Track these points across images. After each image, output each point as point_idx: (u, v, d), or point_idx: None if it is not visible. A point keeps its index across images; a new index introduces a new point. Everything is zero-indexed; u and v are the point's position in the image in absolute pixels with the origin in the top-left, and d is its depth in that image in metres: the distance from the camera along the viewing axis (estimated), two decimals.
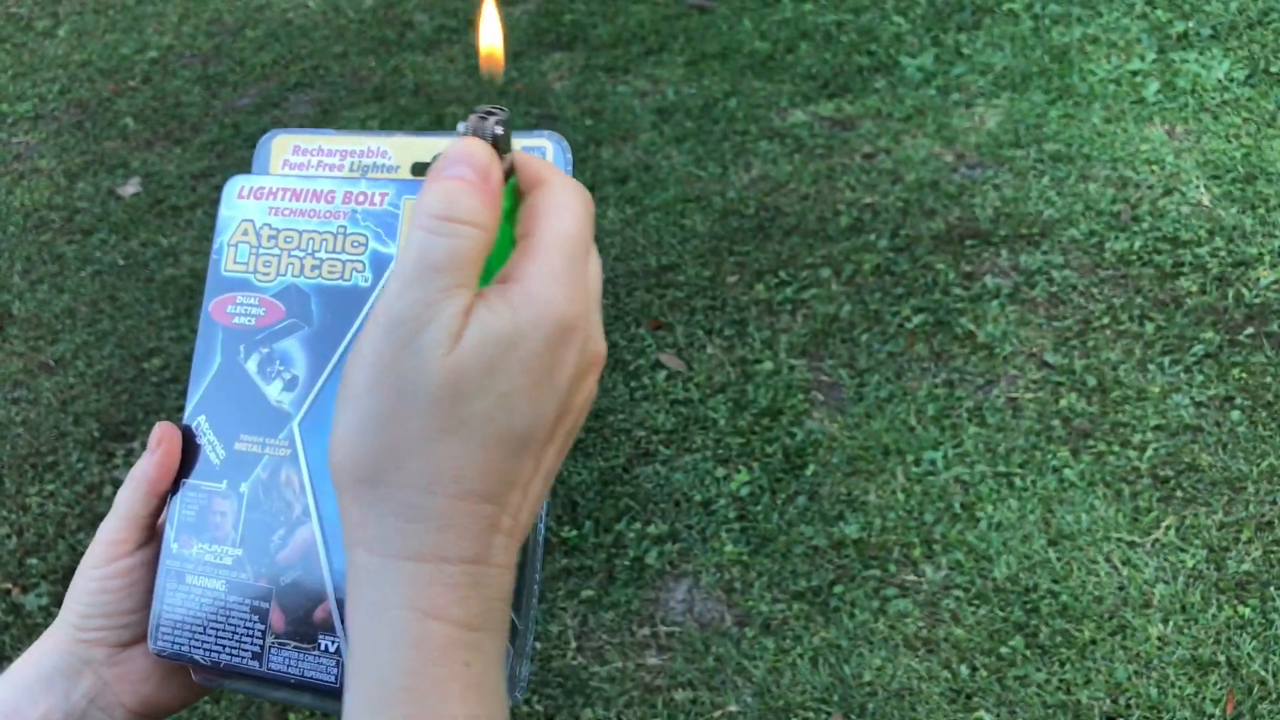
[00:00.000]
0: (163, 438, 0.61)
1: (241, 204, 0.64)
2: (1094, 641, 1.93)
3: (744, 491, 2.28)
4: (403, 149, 0.63)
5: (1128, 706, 1.85)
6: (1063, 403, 2.34)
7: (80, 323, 3.00)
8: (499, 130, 0.46)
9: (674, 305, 2.75)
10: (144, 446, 2.41)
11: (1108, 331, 2.49)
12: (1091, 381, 2.38)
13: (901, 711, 1.88)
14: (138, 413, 2.69)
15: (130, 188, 3.54)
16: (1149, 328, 2.47)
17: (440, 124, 3.61)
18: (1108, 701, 1.86)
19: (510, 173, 0.47)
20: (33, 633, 2.22)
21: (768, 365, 2.54)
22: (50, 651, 0.63)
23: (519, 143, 0.54)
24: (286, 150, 0.66)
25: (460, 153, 0.45)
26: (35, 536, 2.43)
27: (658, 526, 2.24)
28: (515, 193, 0.48)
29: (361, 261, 0.59)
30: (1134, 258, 2.65)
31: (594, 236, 0.48)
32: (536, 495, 0.46)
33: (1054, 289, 2.61)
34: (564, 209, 0.46)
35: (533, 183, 0.47)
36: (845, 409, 2.42)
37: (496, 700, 0.45)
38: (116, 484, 2.50)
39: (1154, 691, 1.85)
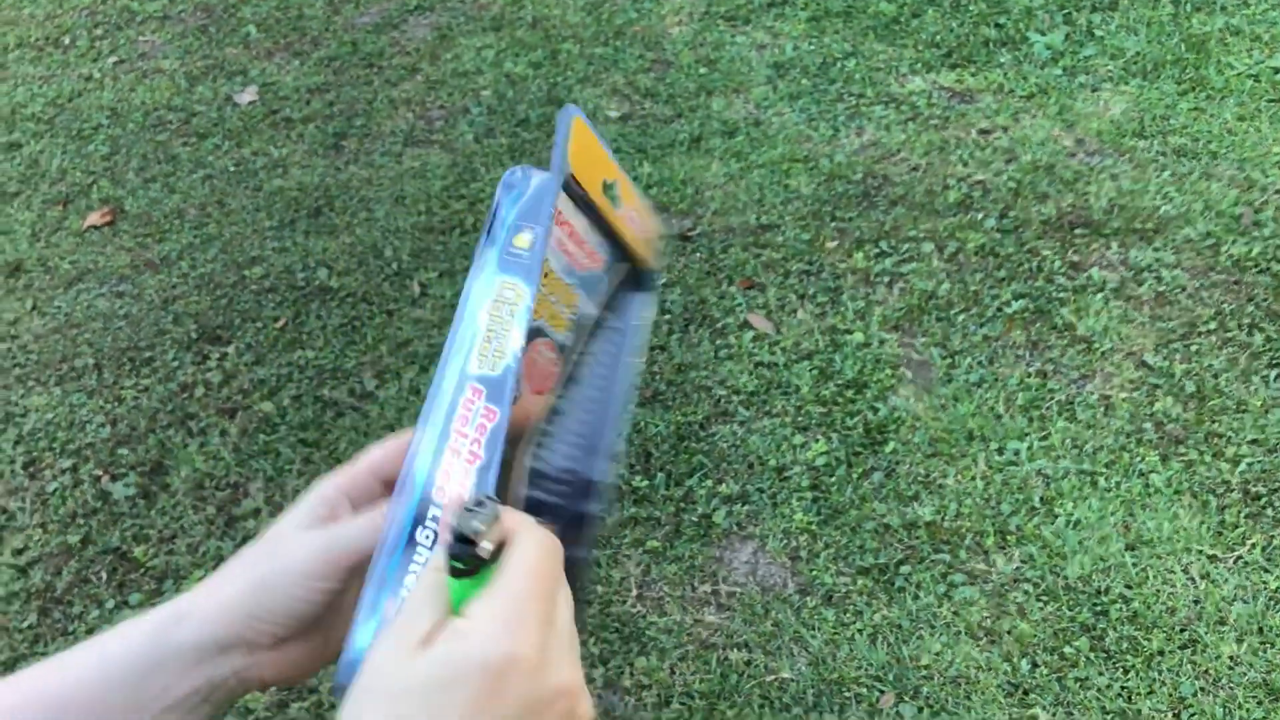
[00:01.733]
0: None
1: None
2: (1162, 652, 1.89)
3: (820, 461, 2.26)
4: None
5: None
6: (1158, 406, 2.28)
7: (188, 224, 3.07)
8: (480, 527, 0.50)
9: (769, 266, 2.73)
10: (238, 352, 2.45)
11: (1213, 338, 2.41)
12: (1190, 387, 2.31)
13: (956, 698, 1.87)
14: (235, 318, 2.76)
15: (247, 95, 3.60)
16: (1258, 338, 2.39)
17: (554, 59, 3.60)
18: (1169, 715, 1.82)
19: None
20: (118, 520, 2.30)
21: (858, 336, 2.51)
22: (208, 626, 0.62)
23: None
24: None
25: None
26: (127, 428, 2.51)
27: (729, 486, 2.24)
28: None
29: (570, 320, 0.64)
30: (1250, 264, 2.56)
31: (558, 578, 0.52)
32: None
33: (1162, 288, 2.54)
34: (520, 556, 0.51)
35: (505, 539, 0.52)
36: (933, 389, 2.38)
37: None
38: (208, 385, 2.57)
39: (1219, 711, 1.81)
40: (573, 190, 0.62)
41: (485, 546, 0.50)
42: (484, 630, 0.48)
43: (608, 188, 0.65)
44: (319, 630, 0.65)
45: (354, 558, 0.61)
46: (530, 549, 0.51)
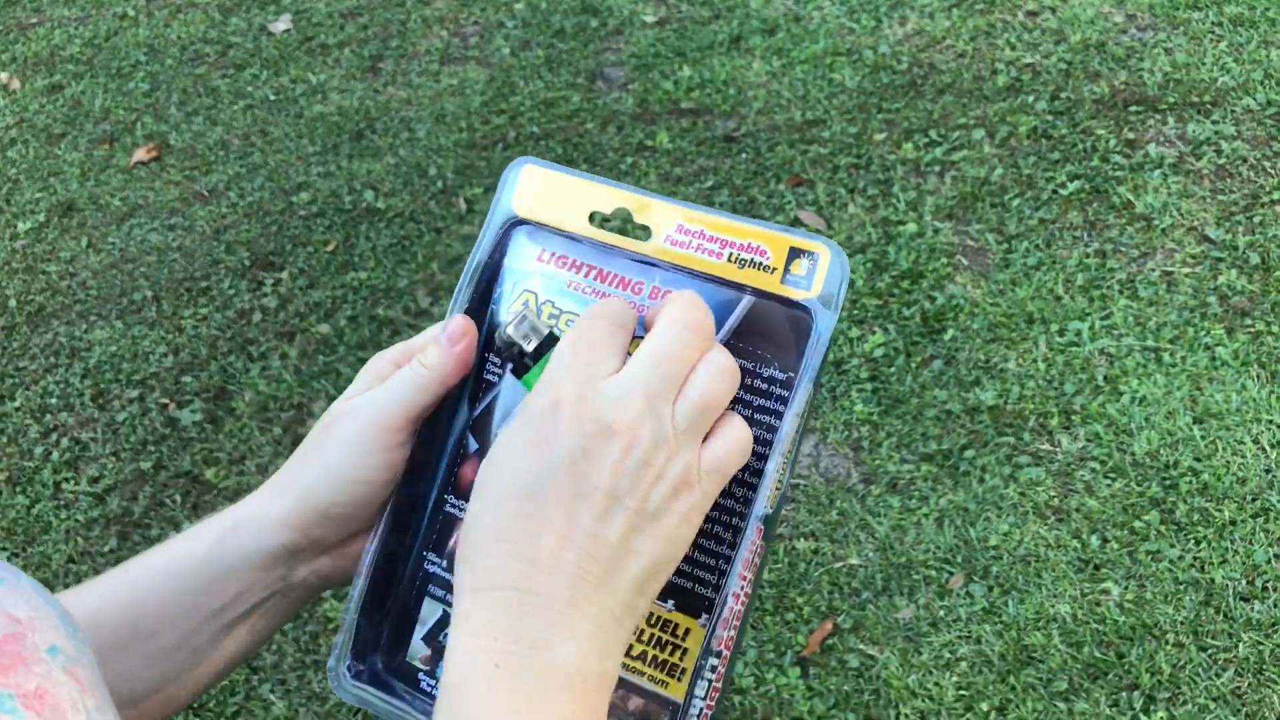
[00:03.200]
0: (465, 332, 0.60)
1: (535, 266, 0.60)
2: (1234, 522, 1.88)
3: (878, 353, 2.25)
4: (778, 244, 0.56)
5: (1264, 589, 1.80)
6: (1221, 279, 2.24)
7: (233, 155, 3.09)
8: (513, 337, 0.56)
9: (817, 162, 2.69)
10: (292, 277, 2.48)
11: (1277, 208, 2.35)
12: (1254, 259, 2.26)
13: (1026, 577, 1.87)
14: (286, 244, 2.77)
15: (281, 24, 3.58)
16: None
17: None
18: (1243, 582, 1.81)
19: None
20: (188, 445, 2.35)
21: (911, 227, 2.48)
22: (275, 530, 0.62)
23: (793, 240, 0.56)
24: (614, 202, 0.60)
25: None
26: (189, 356, 2.54)
27: None
28: None
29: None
30: None
31: (605, 334, 0.54)
32: (587, 549, 0.51)
33: (1222, 160, 2.47)
34: (567, 334, 0.54)
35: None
36: (990, 275, 2.36)
37: (540, 701, 0.49)
38: (265, 311, 2.60)
39: None
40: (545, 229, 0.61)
41: (525, 348, 0.56)
42: (533, 392, 0.53)
43: (604, 220, 0.63)
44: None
45: (402, 415, 0.60)
46: (579, 321, 0.54)
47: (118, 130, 3.25)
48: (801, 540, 1.99)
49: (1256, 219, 2.34)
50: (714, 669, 0.54)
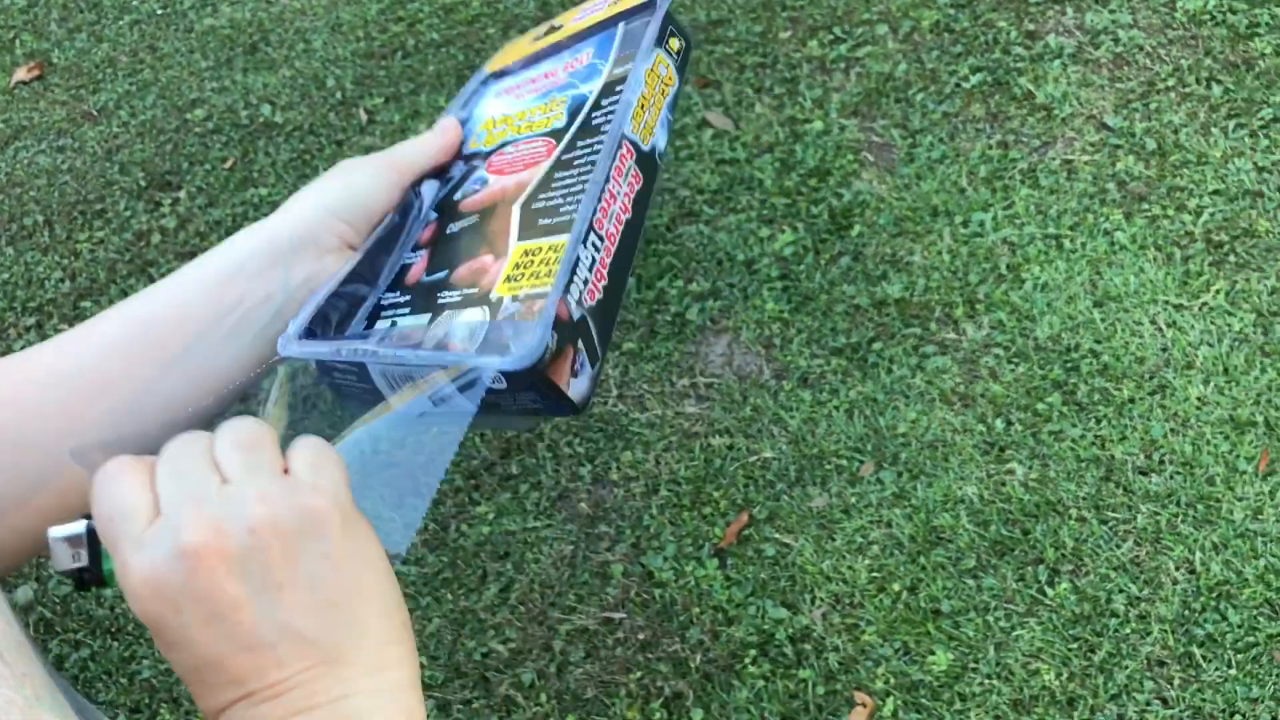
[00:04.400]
0: (449, 129, 0.77)
1: (492, 101, 0.83)
2: (1132, 400, 1.94)
3: (787, 251, 2.26)
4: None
5: (1161, 462, 1.86)
6: (1120, 166, 2.28)
7: (121, 72, 2.97)
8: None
9: (722, 62, 2.67)
10: (190, 196, 2.41)
11: (1172, 94, 2.39)
12: (1151, 145, 2.30)
13: (934, 461, 1.92)
14: (182, 163, 2.69)
15: None
16: (1216, 90, 2.37)
17: None
18: (1141, 457, 1.88)
19: None
20: None
21: (818, 125, 2.48)
22: (282, 225, 0.67)
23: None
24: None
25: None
26: (87, 281, 2.47)
27: (699, 284, 2.24)
28: None
29: (562, 112, 0.75)
30: (1206, 17, 2.52)
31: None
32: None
33: (1119, 49, 2.50)
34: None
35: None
36: (895, 170, 2.37)
37: None
38: (164, 232, 2.53)
39: (1189, 449, 1.86)
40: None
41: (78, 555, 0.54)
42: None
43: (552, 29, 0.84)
44: None
45: (407, 163, 0.73)
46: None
47: None
48: (716, 437, 2.01)
49: (1153, 105, 2.38)
50: (597, 248, 0.63)
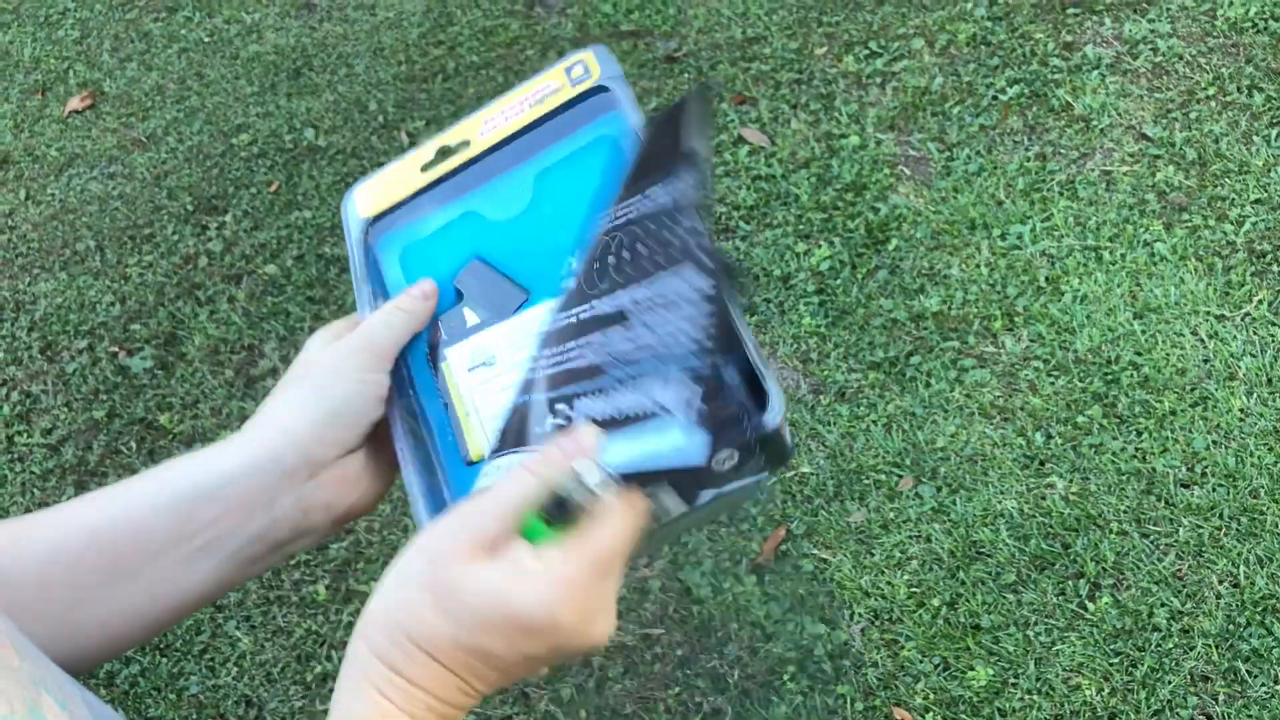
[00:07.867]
0: (433, 292, 0.68)
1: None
2: (1174, 412, 1.92)
3: (824, 266, 2.27)
4: (556, 73, 0.70)
5: (1203, 474, 1.85)
6: (1159, 176, 2.26)
7: (169, 99, 3.04)
8: (581, 502, 0.51)
9: (758, 79, 2.68)
10: (235, 220, 2.46)
11: (1213, 103, 2.37)
12: (1191, 155, 2.28)
13: (973, 475, 1.91)
14: (228, 187, 2.74)
15: None
16: (1258, 99, 2.35)
17: None
18: (1183, 469, 1.86)
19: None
20: (140, 392, 2.34)
21: (854, 140, 2.48)
22: (262, 459, 0.63)
23: (565, 64, 0.68)
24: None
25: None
26: (137, 304, 2.53)
27: None
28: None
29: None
30: (1248, 24, 2.50)
31: (627, 555, 0.53)
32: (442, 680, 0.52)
33: (1158, 59, 2.49)
34: (610, 536, 0.52)
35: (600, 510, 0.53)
36: (932, 183, 2.37)
37: None
38: (211, 255, 2.58)
39: (1231, 461, 1.84)
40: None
41: (582, 511, 0.52)
42: (546, 585, 0.50)
43: (444, 150, 0.71)
44: (375, 453, 0.66)
45: (391, 344, 0.66)
46: (620, 531, 0.52)
47: (50, 79, 3.19)
48: None
49: (1193, 115, 2.36)
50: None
